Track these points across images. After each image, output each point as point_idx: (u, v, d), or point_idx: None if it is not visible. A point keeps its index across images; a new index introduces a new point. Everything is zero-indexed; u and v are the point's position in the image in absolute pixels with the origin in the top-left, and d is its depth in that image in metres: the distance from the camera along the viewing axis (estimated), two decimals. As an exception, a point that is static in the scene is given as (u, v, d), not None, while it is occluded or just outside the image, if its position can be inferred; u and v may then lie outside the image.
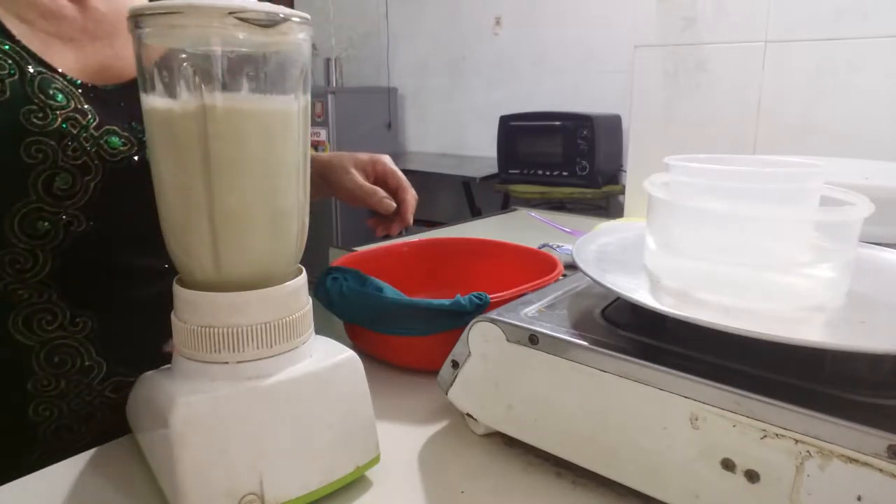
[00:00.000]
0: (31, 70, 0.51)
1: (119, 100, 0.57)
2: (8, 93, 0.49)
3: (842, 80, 1.15)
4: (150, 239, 0.57)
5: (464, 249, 0.88)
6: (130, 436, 0.55)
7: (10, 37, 0.50)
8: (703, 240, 0.49)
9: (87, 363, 0.57)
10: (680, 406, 0.41)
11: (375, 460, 0.50)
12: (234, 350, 0.43)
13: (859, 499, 0.35)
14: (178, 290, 0.45)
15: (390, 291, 0.69)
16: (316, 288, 0.67)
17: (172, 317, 0.45)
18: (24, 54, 0.51)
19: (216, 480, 0.42)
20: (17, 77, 0.49)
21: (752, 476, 0.39)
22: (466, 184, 2.97)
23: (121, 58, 0.58)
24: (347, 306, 0.66)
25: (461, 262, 0.86)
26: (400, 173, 0.76)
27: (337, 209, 3.28)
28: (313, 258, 0.76)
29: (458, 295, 0.62)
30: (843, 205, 0.50)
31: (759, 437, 0.38)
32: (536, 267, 0.76)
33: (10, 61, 0.49)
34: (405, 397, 0.64)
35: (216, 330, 0.43)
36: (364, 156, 0.76)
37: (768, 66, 1.21)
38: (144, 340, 0.60)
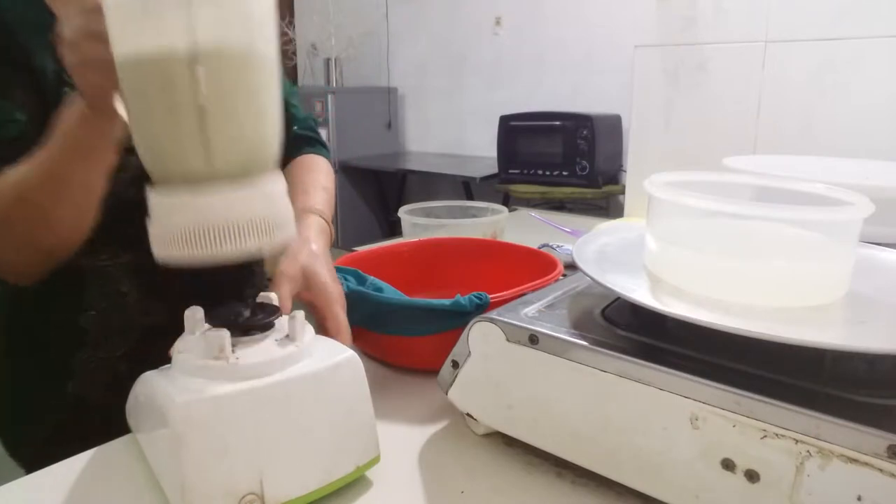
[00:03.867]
0: None
1: None
2: None
3: (842, 80, 1.15)
4: None
5: (464, 249, 0.88)
6: (131, 436, 0.55)
7: None
8: (703, 240, 0.49)
9: (123, 289, 0.72)
10: (680, 406, 0.41)
11: (375, 460, 0.50)
12: (224, 242, 0.42)
13: (859, 499, 0.35)
14: (158, 194, 0.43)
15: (390, 291, 0.69)
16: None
17: (148, 225, 0.44)
18: None
19: (216, 480, 0.42)
20: None
21: (752, 476, 0.39)
22: (466, 184, 2.97)
23: None
24: (348, 306, 0.66)
25: (461, 262, 0.86)
26: (331, 305, 0.60)
27: (337, 210, 3.28)
28: (313, 258, 0.75)
29: (458, 295, 0.62)
30: (843, 205, 0.50)
31: (759, 437, 0.38)
32: (536, 267, 0.76)
33: None
34: (405, 397, 0.64)
35: (204, 226, 0.41)
36: (295, 269, 0.61)
37: (768, 66, 1.21)
38: (172, 280, 0.69)
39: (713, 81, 1.27)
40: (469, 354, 0.53)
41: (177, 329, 0.49)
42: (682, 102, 1.31)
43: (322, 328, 0.60)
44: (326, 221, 0.72)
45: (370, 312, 0.65)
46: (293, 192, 0.75)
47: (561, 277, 0.69)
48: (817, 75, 1.17)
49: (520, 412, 0.50)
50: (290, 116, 0.84)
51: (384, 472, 0.51)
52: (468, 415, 0.55)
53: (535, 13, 3.03)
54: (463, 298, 0.61)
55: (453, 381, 0.54)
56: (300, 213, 0.69)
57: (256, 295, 0.52)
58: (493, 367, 0.51)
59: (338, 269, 0.70)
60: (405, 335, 0.65)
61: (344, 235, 3.26)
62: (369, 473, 0.50)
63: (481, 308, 0.61)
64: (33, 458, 0.62)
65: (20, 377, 0.76)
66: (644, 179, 0.53)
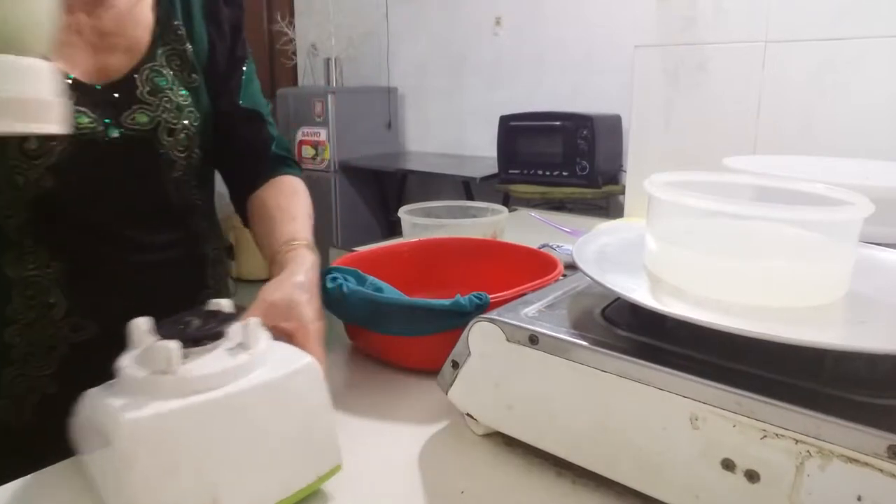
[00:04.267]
0: None
1: (101, 94, 0.69)
2: None
3: (842, 80, 1.15)
4: (113, 207, 0.69)
5: (464, 249, 0.88)
6: (73, 459, 0.51)
7: None
8: (703, 240, 0.49)
9: (51, 300, 0.67)
10: (680, 406, 0.41)
11: (336, 469, 0.48)
12: None
13: (859, 499, 0.35)
14: None
15: (390, 291, 0.69)
16: (316, 288, 0.67)
17: None
18: None
19: (167, 501, 0.40)
20: None
21: (752, 476, 0.39)
22: (466, 184, 2.97)
23: (111, 65, 0.71)
24: (347, 306, 0.66)
25: (461, 262, 0.86)
26: (309, 340, 0.55)
27: (337, 210, 3.28)
28: (313, 258, 0.75)
29: (458, 295, 0.62)
30: (843, 205, 0.50)
31: (759, 437, 0.38)
32: (536, 267, 0.76)
33: None
34: (405, 397, 0.64)
35: None
36: (275, 297, 0.57)
37: (768, 66, 1.21)
38: (106, 291, 0.70)
39: (713, 81, 1.27)
40: (469, 354, 0.53)
41: (109, 346, 0.45)
42: (682, 102, 1.31)
43: None
44: (316, 254, 0.69)
45: (370, 312, 0.65)
46: (280, 216, 0.72)
47: (561, 277, 0.69)
48: (817, 75, 1.17)
49: (520, 412, 0.50)
50: (267, 134, 0.82)
51: (386, 473, 0.51)
52: (468, 415, 0.55)
53: (535, 13, 3.03)
54: (463, 298, 0.61)
55: (453, 381, 0.54)
56: (291, 242, 0.67)
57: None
58: (493, 368, 0.51)
59: (338, 269, 0.70)
60: (405, 335, 0.65)
61: (344, 235, 3.27)
62: (368, 475, 0.50)
63: (481, 308, 0.61)
64: None
65: None
66: (644, 179, 0.53)
